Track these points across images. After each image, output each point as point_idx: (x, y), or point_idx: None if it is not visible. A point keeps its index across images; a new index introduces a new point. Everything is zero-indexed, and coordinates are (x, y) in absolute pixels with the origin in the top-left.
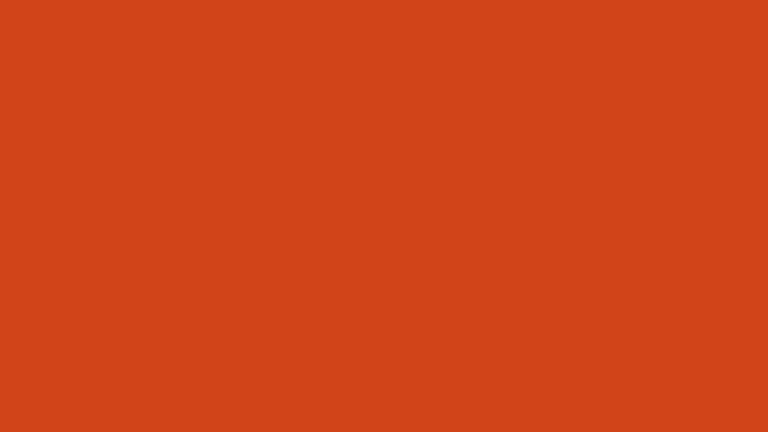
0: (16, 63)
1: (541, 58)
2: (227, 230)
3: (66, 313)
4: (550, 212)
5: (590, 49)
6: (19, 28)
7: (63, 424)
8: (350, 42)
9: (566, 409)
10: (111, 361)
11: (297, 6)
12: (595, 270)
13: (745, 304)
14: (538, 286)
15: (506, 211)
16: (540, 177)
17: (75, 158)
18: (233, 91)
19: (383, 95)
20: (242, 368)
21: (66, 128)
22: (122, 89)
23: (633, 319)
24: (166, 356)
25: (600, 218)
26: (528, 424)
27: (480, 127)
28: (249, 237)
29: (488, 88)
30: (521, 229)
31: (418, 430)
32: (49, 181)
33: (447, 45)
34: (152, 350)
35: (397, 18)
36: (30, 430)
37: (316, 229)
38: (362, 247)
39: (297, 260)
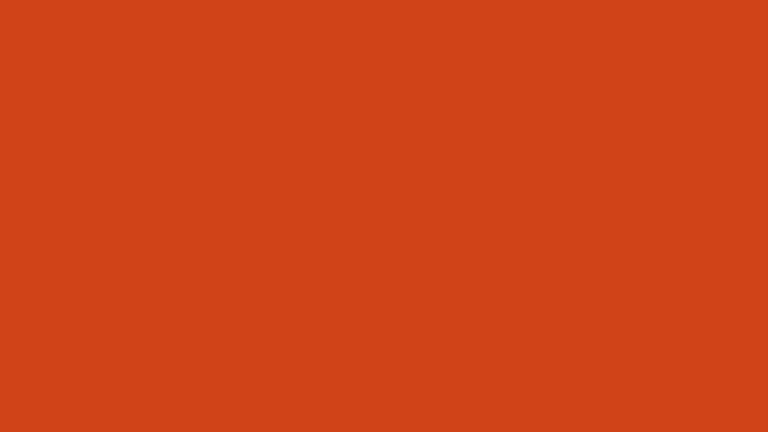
0: (16, 63)
1: (541, 59)
2: (227, 230)
3: (66, 313)
4: (550, 212)
5: (590, 50)
6: (19, 28)
7: (63, 424)
8: (350, 42)
9: (566, 409)
10: (110, 360)
11: (297, 6)
12: (595, 269)
13: (746, 304)
14: (538, 286)
15: (506, 210)
16: (540, 177)
17: (75, 158)
18: (233, 91)
19: (383, 95)
20: (242, 368)
21: (66, 128)
22: (122, 89)
23: (633, 319)
24: (166, 356)
25: (600, 217)
26: (528, 424)
27: (480, 127)
28: (249, 236)
29: (488, 88)
30: (520, 229)
31: (418, 430)
32: (49, 181)
33: (447, 45)
34: (152, 350)
35: (397, 18)
36: (30, 430)
37: (315, 228)
38: (362, 246)
39: (296, 260)
